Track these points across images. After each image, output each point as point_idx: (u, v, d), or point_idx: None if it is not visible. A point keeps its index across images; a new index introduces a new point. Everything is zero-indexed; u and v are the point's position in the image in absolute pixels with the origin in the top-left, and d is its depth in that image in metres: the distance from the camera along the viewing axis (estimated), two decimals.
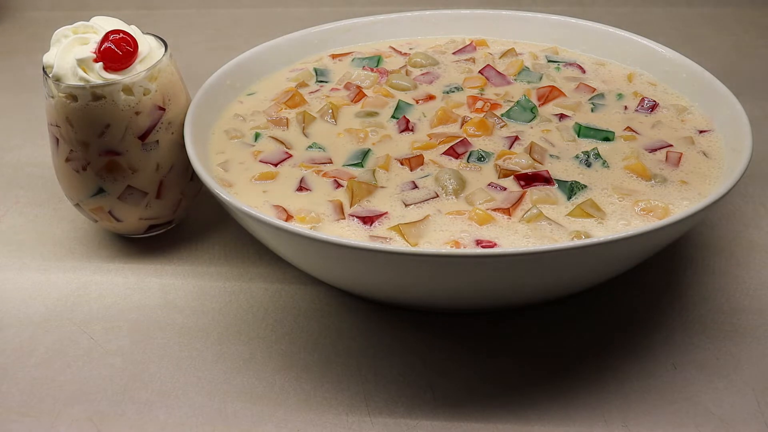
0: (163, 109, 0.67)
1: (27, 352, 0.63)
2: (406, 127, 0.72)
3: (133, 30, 0.66)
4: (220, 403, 0.58)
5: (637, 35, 0.81)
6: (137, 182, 0.68)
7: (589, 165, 0.67)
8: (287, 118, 0.74)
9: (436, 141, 0.69)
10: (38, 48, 0.81)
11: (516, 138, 0.69)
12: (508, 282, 0.57)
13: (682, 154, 0.68)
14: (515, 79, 0.78)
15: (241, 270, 0.70)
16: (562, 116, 0.73)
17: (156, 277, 0.70)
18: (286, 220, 0.61)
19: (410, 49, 0.85)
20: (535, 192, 0.63)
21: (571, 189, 0.63)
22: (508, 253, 0.54)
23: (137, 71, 0.65)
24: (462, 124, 0.72)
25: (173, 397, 0.59)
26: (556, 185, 0.64)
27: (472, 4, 1.14)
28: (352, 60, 0.83)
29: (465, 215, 0.62)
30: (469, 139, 0.69)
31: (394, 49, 0.85)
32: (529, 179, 0.65)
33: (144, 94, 0.65)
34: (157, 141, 0.67)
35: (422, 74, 0.80)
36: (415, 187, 0.65)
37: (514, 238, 0.60)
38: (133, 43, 0.65)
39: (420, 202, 0.63)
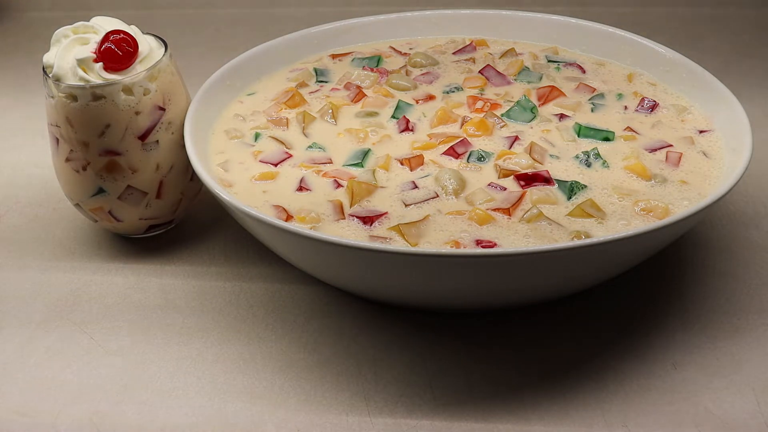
0: (163, 109, 0.67)
1: (27, 352, 0.63)
2: (406, 127, 0.72)
3: (133, 30, 0.66)
4: (220, 403, 0.58)
5: (637, 35, 0.81)
6: (137, 182, 0.68)
7: (589, 165, 0.67)
8: (287, 118, 0.74)
9: (436, 141, 0.69)
10: (38, 48, 0.82)
11: (516, 138, 0.69)
12: (508, 282, 0.57)
13: (682, 154, 0.68)
14: (515, 79, 0.78)
15: (241, 270, 0.70)
16: (562, 116, 0.73)
17: (156, 277, 0.70)
18: (286, 220, 0.61)
19: (410, 49, 0.85)
20: (535, 192, 0.63)
21: (571, 189, 0.63)
22: (508, 253, 0.54)
23: (137, 71, 0.65)
24: (462, 124, 0.72)
25: (173, 397, 0.59)
26: (556, 185, 0.64)
27: (472, 4, 1.14)
28: (352, 60, 0.83)
29: (465, 215, 0.62)
30: (469, 139, 0.69)
31: (394, 49, 0.85)
32: (529, 179, 0.65)
33: (144, 94, 0.65)
34: (157, 141, 0.67)
35: (422, 74, 0.80)
36: (415, 187, 0.65)
37: (514, 238, 0.60)
38: (133, 43, 0.65)
39: (420, 202, 0.63)
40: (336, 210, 0.63)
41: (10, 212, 0.78)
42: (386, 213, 0.62)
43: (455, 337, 0.63)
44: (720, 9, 1.14)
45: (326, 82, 0.80)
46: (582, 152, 0.67)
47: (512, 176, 0.65)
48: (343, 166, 0.68)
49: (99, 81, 0.63)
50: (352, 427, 0.56)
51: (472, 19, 0.87)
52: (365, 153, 0.69)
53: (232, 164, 0.68)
